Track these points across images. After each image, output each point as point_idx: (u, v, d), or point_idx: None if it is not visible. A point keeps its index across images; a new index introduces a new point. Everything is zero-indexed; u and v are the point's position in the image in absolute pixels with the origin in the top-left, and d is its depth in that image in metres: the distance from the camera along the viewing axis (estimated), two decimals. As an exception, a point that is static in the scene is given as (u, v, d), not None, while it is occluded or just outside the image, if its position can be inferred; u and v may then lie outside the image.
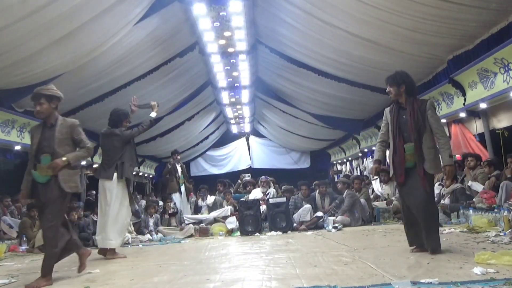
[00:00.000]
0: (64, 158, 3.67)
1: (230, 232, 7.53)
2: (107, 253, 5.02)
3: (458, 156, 8.40)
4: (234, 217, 7.84)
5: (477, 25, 5.87)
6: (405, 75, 4.03)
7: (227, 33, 8.16)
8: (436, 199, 6.50)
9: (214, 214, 8.29)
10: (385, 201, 8.24)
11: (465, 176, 7.27)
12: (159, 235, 7.59)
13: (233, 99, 13.44)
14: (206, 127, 15.87)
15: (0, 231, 6.93)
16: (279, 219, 7.32)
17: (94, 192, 9.86)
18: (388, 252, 4.00)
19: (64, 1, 4.96)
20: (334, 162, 17.98)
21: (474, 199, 6.21)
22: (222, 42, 8.57)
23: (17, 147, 7.71)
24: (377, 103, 9.87)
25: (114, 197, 5.02)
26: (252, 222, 7.30)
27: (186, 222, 8.08)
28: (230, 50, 9.06)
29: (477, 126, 7.62)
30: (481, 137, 7.61)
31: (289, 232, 7.14)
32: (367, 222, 7.52)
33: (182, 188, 9.21)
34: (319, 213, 7.56)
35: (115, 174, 5.04)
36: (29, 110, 7.87)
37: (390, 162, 4.09)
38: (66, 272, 4.15)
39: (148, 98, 9.74)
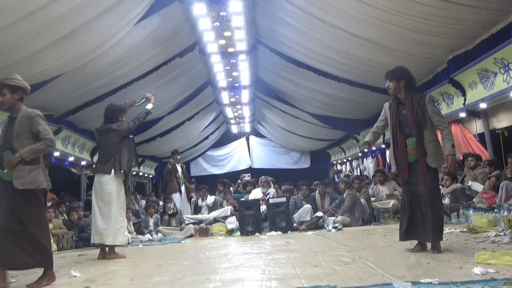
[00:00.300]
0: (17, 154, 3.41)
1: (230, 232, 7.53)
2: (108, 253, 5.00)
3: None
4: (234, 217, 7.85)
5: (477, 25, 5.87)
6: (404, 71, 4.03)
7: (227, 33, 8.16)
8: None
9: (214, 214, 8.30)
10: (382, 201, 8.23)
11: (465, 176, 7.28)
12: (159, 235, 7.60)
13: (233, 99, 13.45)
14: (206, 127, 15.88)
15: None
16: (279, 219, 7.32)
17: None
18: (388, 252, 4.00)
19: (64, 1, 4.96)
20: (334, 162, 17.99)
21: (474, 199, 6.21)
22: (222, 42, 8.57)
23: (17, 147, 7.69)
24: (377, 103, 9.84)
25: (110, 193, 4.92)
26: (252, 222, 7.30)
27: (186, 222, 8.09)
28: (230, 50, 9.06)
29: (477, 126, 7.62)
30: (481, 137, 7.61)
31: (289, 232, 7.14)
32: (367, 222, 7.52)
33: (182, 188, 9.22)
34: (319, 213, 7.56)
35: (113, 170, 4.95)
36: (29, 110, 7.87)
37: (392, 159, 4.09)
38: (66, 272, 4.15)
39: (148, 98, 9.79)
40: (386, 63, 7.30)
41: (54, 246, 6.52)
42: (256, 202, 7.66)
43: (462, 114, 7.45)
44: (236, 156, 19.88)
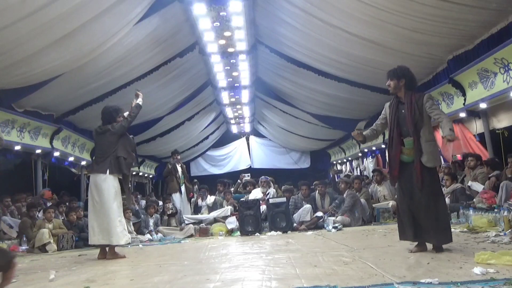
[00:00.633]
0: None
1: (230, 232, 7.53)
2: (108, 253, 5.00)
3: (458, 156, 8.41)
4: (234, 217, 7.85)
5: (477, 25, 5.87)
6: (405, 70, 4.03)
7: (227, 33, 8.16)
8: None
9: (214, 214, 8.30)
10: (380, 202, 8.22)
11: (465, 176, 7.28)
12: (159, 235, 7.60)
13: (233, 99, 13.44)
14: (206, 127, 15.87)
15: (0, 231, 6.93)
16: (279, 219, 7.32)
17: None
18: (388, 252, 4.00)
19: (64, 1, 4.95)
20: (334, 162, 17.98)
21: (474, 199, 6.21)
22: (222, 42, 8.57)
23: (17, 147, 7.71)
24: (377, 103, 9.85)
25: (106, 193, 4.89)
26: (252, 222, 7.30)
27: (186, 222, 8.09)
28: (230, 50, 9.05)
29: (477, 126, 7.62)
30: (481, 137, 7.61)
31: (289, 232, 7.14)
32: (367, 222, 7.52)
33: (182, 188, 9.22)
34: (319, 213, 7.56)
35: (109, 169, 4.94)
36: (29, 110, 7.88)
37: (388, 158, 4.11)
38: (66, 272, 4.15)
39: (148, 98, 9.75)
40: (386, 63, 7.29)
41: (54, 246, 6.55)
42: (256, 202, 7.66)
43: (462, 114, 7.45)
44: (236, 156, 19.87)
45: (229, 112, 15.46)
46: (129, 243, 5.73)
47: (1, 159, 9.28)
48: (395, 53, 7.10)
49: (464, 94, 7.06)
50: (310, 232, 6.90)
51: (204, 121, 15.05)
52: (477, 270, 2.82)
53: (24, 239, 6.79)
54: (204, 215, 8.50)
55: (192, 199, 9.85)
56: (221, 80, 11.25)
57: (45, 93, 7.31)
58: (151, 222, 7.82)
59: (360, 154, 14.30)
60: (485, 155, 7.31)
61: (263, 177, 9.42)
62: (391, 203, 7.80)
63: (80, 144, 10.34)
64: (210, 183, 11.67)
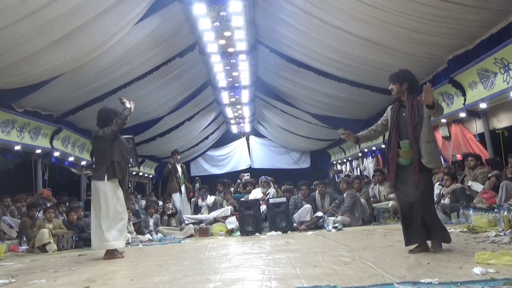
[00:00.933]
0: None
1: (230, 232, 7.53)
2: (105, 254, 5.02)
3: (458, 156, 8.40)
4: (234, 217, 7.85)
5: (477, 25, 5.87)
6: (407, 73, 4.04)
7: (227, 33, 8.15)
8: (436, 199, 6.51)
9: (214, 214, 8.30)
10: (381, 202, 8.22)
11: (465, 176, 7.28)
12: (159, 235, 7.60)
13: (233, 99, 13.43)
14: (206, 127, 15.87)
15: (0, 231, 6.93)
16: (279, 219, 7.32)
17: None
18: (388, 252, 4.00)
19: (64, 1, 4.96)
20: (334, 162, 17.98)
21: (474, 199, 6.21)
22: (222, 42, 8.57)
23: (17, 147, 7.71)
24: (377, 103, 9.87)
25: (106, 198, 4.95)
26: (252, 222, 7.30)
27: (186, 222, 8.09)
28: (230, 50, 9.05)
29: (477, 126, 7.61)
30: (481, 137, 7.60)
31: (289, 232, 7.14)
32: (367, 222, 7.52)
33: (182, 188, 9.22)
34: (319, 213, 7.56)
35: (106, 175, 4.97)
36: (29, 110, 7.88)
37: (386, 160, 4.11)
38: (66, 272, 4.15)
39: (148, 98, 9.82)
40: (386, 63, 7.32)
41: (54, 246, 6.55)
42: (256, 202, 7.66)
43: (462, 114, 7.44)
44: (236, 156, 19.87)
45: (229, 112, 15.46)
46: (128, 243, 5.75)
47: (1, 159, 9.29)
48: (395, 53, 7.10)
49: (464, 94, 7.06)
50: (310, 232, 6.90)
51: (204, 121, 15.05)
52: (477, 270, 2.82)
53: (24, 239, 6.79)
54: (204, 215, 8.50)
55: (192, 199, 9.85)
56: (221, 80, 11.25)
57: (45, 93, 7.31)
58: (151, 222, 7.82)
59: (360, 154, 14.29)
60: (485, 155, 7.31)
61: (263, 177, 9.42)
62: (391, 203, 7.81)
63: (80, 144, 10.34)
64: (210, 183, 11.67)
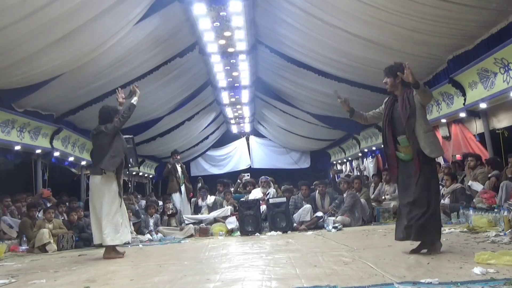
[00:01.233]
0: None
1: (230, 232, 7.53)
2: (104, 253, 5.02)
3: (458, 156, 8.40)
4: (234, 217, 7.85)
5: (477, 25, 5.87)
6: (401, 66, 3.95)
7: (227, 33, 8.15)
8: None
9: (214, 214, 8.30)
10: (384, 201, 8.23)
11: (465, 176, 7.27)
12: (159, 235, 7.60)
13: (233, 99, 13.43)
14: (206, 127, 15.87)
15: (0, 231, 6.93)
16: (279, 219, 7.32)
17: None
18: (388, 252, 4.00)
19: (64, 1, 4.96)
20: (334, 162, 17.97)
21: (474, 199, 6.21)
22: (222, 42, 8.57)
23: (17, 147, 7.71)
24: (377, 103, 9.70)
25: (103, 193, 4.98)
26: (252, 222, 7.30)
27: (186, 222, 8.09)
28: (230, 50, 9.05)
29: (477, 126, 7.61)
30: (481, 137, 7.60)
31: (289, 232, 7.14)
32: (367, 222, 7.52)
33: (182, 188, 9.22)
34: (319, 213, 7.56)
35: (103, 170, 5.00)
36: (29, 110, 7.88)
37: (385, 157, 4.09)
38: (66, 272, 4.16)
39: (148, 98, 9.81)
40: (386, 63, 7.19)
41: (54, 246, 6.55)
42: (256, 202, 7.66)
43: (462, 114, 7.44)
44: (236, 156, 19.86)
45: (229, 112, 15.45)
46: (128, 243, 5.75)
47: (1, 159, 9.29)
48: (395, 53, 7.09)
49: (464, 94, 7.06)
50: (310, 232, 6.90)
51: (204, 121, 15.05)
52: (477, 270, 2.82)
53: (24, 239, 6.79)
54: (204, 215, 8.49)
55: (193, 199, 9.85)
56: (221, 80, 11.25)
57: (45, 93, 7.31)
58: (151, 222, 7.82)
59: (360, 154, 14.28)
60: (485, 155, 7.31)
61: (263, 177, 9.42)
62: (393, 203, 7.80)
63: (80, 144, 10.34)
64: (210, 183, 11.67)
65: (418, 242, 3.87)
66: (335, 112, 11.73)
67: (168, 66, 8.86)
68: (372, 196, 8.57)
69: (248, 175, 12.84)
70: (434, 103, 8.07)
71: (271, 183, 9.45)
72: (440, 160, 8.95)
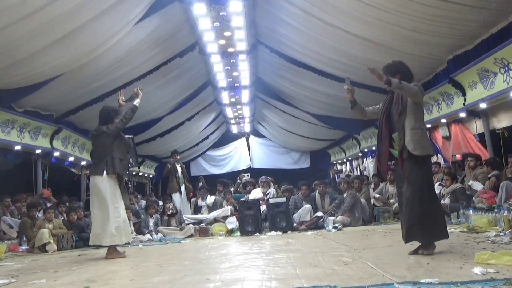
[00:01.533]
0: None
1: (230, 232, 7.54)
2: (107, 253, 5.02)
3: (458, 156, 8.41)
4: (234, 217, 7.85)
5: (477, 25, 5.87)
6: (400, 65, 3.98)
7: (227, 33, 8.15)
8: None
9: (214, 214, 8.30)
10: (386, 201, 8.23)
11: (465, 176, 7.27)
12: (159, 235, 7.60)
13: (233, 99, 13.43)
14: (206, 127, 15.87)
15: (0, 231, 6.93)
16: (279, 219, 7.32)
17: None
18: (388, 252, 4.00)
19: (64, 1, 4.96)
20: (334, 162, 17.97)
21: (474, 199, 6.21)
22: (222, 42, 8.56)
23: (17, 147, 7.70)
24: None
25: (104, 194, 4.98)
26: (252, 222, 7.30)
27: (186, 222, 8.09)
28: (230, 50, 9.05)
29: (477, 126, 7.61)
30: (481, 137, 7.60)
31: (289, 232, 7.15)
32: (367, 222, 7.52)
33: (182, 188, 9.22)
34: (319, 213, 7.57)
35: (105, 171, 5.00)
36: (29, 110, 7.88)
37: (378, 153, 4.08)
38: (66, 272, 4.16)
39: (148, 98, 9.79)
40: (386, 63, 7.29)
41: (54, 246, 6.55)
42: (256, 202, 7.66)
43: (462, 114, 7.44)
44: (236, 156, 19.85)
45: (229, 112, 15.45)
46: (129, 243, 5.75)
47: (1, 159, 9.28)
48: (395, 53, 7.08)
49: (464, 94, 7.06)
50: (310, 232, 6.90)
51: (204, 121, 15.05)
52: (477, 270, 2.82)
53: (24, 239, 6.79)
54: (204, 215, 8.49)
55: (193, 199, 9.85)
56: (221, 80, 11.25)
57: (45, 93, 7.31)
58: (151, 222, 7.82)
59: (360, 154, 14.28)
60: (485, 155, 7.31)
61: (263, 177, 9.42)
62: (396, 204, 7.80)
63: (80, 144, 10.34)
64: (210, 183, 11.67)
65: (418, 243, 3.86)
66: (335, 112, 11.75)
67: (168, 66, 8.86)
68: (377, 196, 8.53)
69: (248, 175, 12.83)
70: (434, 103, 8.07)
71: (271, 183, 9.46)
72: (440, 160, 8.97)
